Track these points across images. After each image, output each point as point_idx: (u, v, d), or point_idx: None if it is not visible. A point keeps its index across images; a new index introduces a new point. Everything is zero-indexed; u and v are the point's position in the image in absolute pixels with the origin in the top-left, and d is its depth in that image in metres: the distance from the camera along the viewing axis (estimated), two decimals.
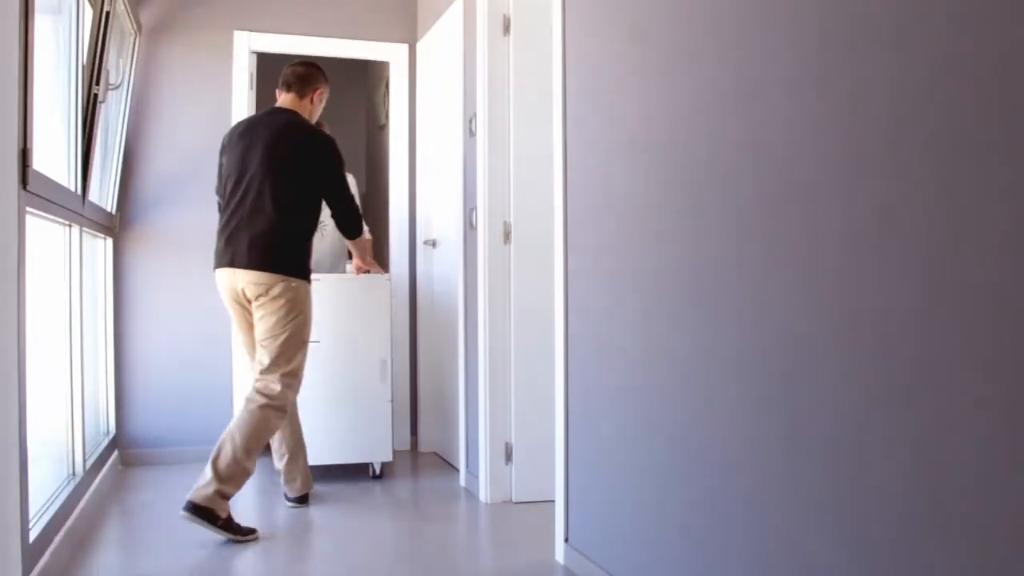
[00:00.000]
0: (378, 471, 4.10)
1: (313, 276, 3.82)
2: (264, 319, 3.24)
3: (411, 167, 4.88)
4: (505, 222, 3.66)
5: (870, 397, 1.49)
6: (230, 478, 3.02)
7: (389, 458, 4.07)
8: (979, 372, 1.28)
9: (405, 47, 4.85)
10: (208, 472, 3.01)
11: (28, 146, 2.34)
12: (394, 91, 4.95)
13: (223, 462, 3.03)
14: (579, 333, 2.73)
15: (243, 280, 3.23)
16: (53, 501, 2.80)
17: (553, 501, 2.96)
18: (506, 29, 3.67)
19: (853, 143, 1.54)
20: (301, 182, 3.30)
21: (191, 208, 4.40)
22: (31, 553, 2.36)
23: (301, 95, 3.50)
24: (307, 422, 3.95)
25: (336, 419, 4.02)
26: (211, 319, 4.43)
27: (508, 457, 3.61)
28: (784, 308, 1.73)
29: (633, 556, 2.37)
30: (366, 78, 7.08)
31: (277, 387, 3.22)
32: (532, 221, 3.61)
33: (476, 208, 3.74)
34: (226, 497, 3.02)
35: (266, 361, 3.24)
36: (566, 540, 2.81)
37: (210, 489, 2.98)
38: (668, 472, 2.18)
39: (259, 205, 3.25)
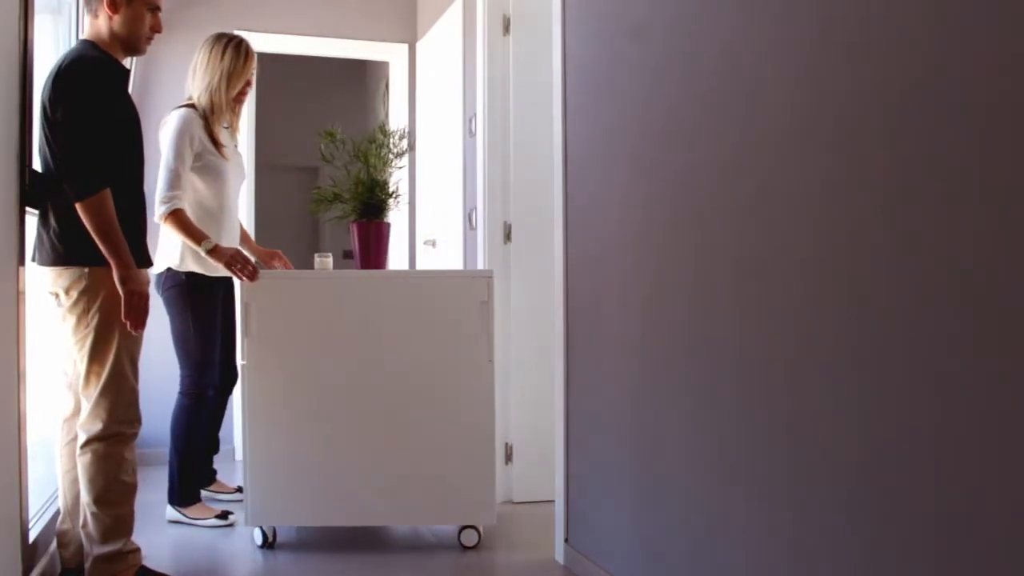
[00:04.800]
0: (475, 540, 2.98)
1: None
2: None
3: (411, 167, 4.88)
4: (505, 222, 3.66)
5: (875, 397, 1.49)
6: (104, 536, 2.40)
7: (492, 520, 2.96)
8: (981, 372, 1.28)
9: (405, 47, 4.85)
10: (84, 542, 2.45)
11: (28, 146, 2.34)
12: (394, 91, 4.95)
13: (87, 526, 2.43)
14: (579, 333, 2.73)
15: None
16: (53, 501, 2.80)
17: (553, 501, 2.95)
18: (506, 29, 3.67)
19: (854, 142, 1.53)
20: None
21: None
22: (31, 553, 2.36)
23: (92, 13, 2.45)
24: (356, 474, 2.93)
25: (415, 466, 2.95)
26: None
27: (508, 457, 3.60)
28: (786, 308, 1.73)
29: (633, 556, 2.36)
30: (366, 78, 7.08)
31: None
32: (532, 221, 3.61)
33: (476, 208, 3.74)
34: (113, 557, 2.41)
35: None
36: (566, 540, 2.81)
37: (89, 561, 2.41)
38: (668, 472, 2.18)
39: None
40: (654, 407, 2.25)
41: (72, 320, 2.37)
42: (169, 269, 3.16)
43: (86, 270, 2.35)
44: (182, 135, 3.09)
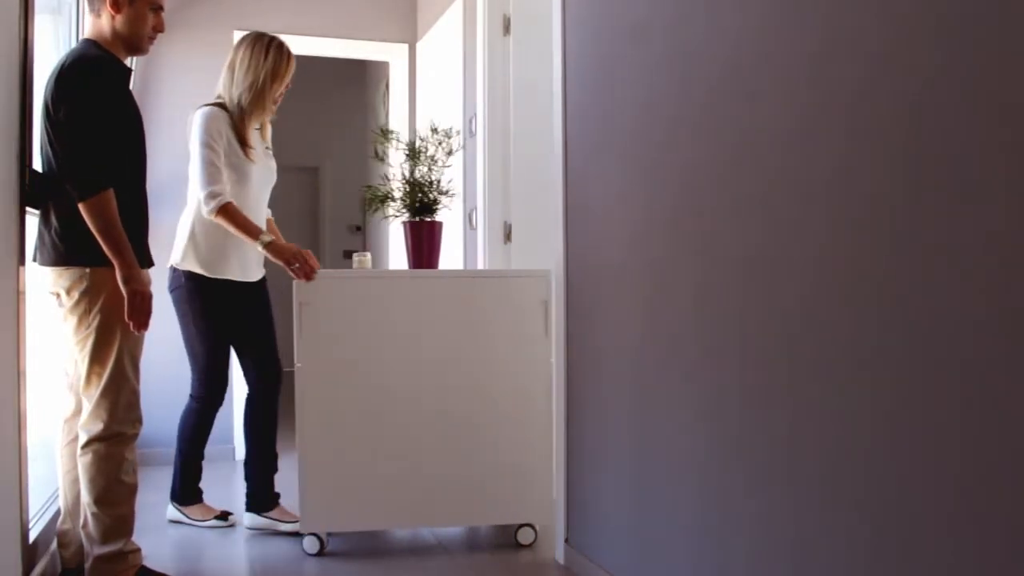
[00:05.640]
0: (532, 538, 3.01)
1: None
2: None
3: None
4: (505, 222, 3.66)
5: (872, 393, 1.49)
6: (105, 536, 2.40)
7: (550, 519, 2.98)
8: (978, 370, 1.28)
9: (405, 47, 4.85)
10: (84, 542, 2.44)
11: (28, 146, 2.34)
12: (394, 91, 4.95)
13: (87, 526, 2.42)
14: (579, 333, 2.73)
15: None
16: (53, 501, 2.80)
17: (553, 501, 2.95)
18: (506, 29, 3.67)
19: (853, 142, 1.53)
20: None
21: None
22: (31, 553, 2.36)
23: (95, 13, 2.45)
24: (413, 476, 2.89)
25: (473, 466, 2.95)
26: None
27: None
28: (787, 308, 1.73)
29: (633, 556, 2.36)
30: (366, 78, 7.08)
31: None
32: (532, 221, 3.61)
33: (476, 208, 3.74)
34: (113, 558, 2.41)
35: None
36: (566, 540, 2.81)
37: (89, 561, 2.41)
38: (669, 472, 2.18)
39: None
40: (654, 407, 2.25)
41: (73, 320, 2.37)
42: (172, 268, 3.10)
43: (87, 270, 2.35)
44: (208, 129, 2.98)
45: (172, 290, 3.12)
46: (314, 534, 2.89)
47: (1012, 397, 1.22)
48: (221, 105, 3.08)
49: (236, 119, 3.06)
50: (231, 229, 2.95)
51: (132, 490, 2.45)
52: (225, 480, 3.89)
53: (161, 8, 2.50)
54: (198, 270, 3.06)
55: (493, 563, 2.83)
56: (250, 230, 2.96)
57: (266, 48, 3.10)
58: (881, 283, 1.47)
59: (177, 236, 3.12)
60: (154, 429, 4.40)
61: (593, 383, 2.63)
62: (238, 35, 4.51)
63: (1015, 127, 1.21)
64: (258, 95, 3.07)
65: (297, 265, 2.88)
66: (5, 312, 2.14)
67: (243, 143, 3.06)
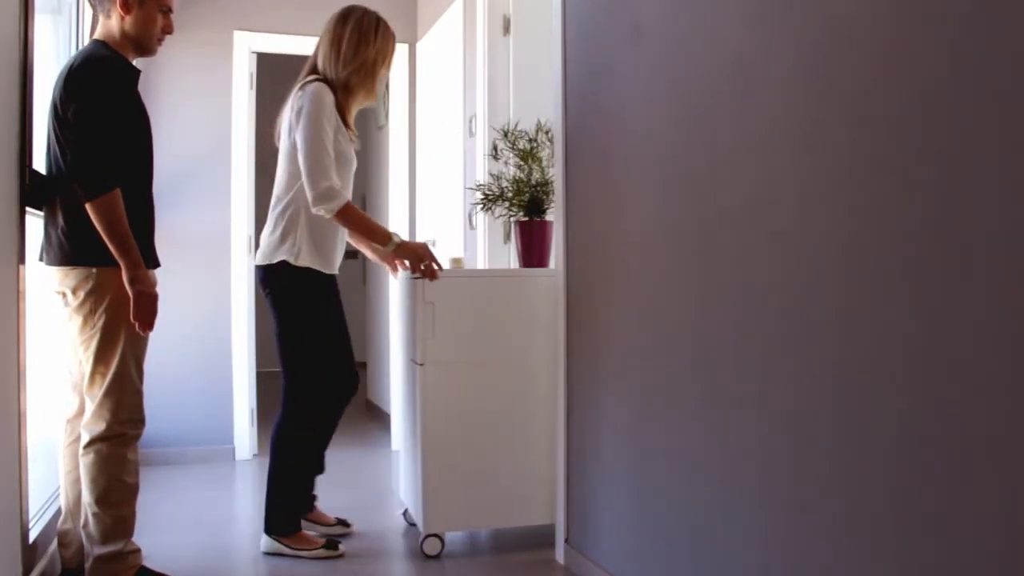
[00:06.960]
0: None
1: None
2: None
3: (411, 167, 4.88)
4: (505, 222, 3.66)
5: (871, 396, 1.49)
6: (105, 536, 2.39)
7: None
8: (975, 369, 1.28)
9: (405, 47, 4.85)
10: (84, 542, 2.44)
11: (28, 146, 2.34)
12: (394, 91, 4.95)
13: (89, 526, 2.41)
14: (580, 333, 2.73)
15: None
16: (53, 501, 2.80)
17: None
18: (506, 29, 3.67)
19: (855, 142, 1.53)
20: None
21: (191, 207, 4.41)
22: (31, 553, 2.36)
23: (105, 14, 2.46)
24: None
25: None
26: (211, 318, 4.43)
27: None
28: (788, 309, 1.73)
29: (633, 556, 2.37)
30: None
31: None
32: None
33: (476, 207, 3.74)
34: (113, 558, 2.41)
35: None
36: (566, 540, 2.81)
37: (89, 562, 2.40)
38: (669, 472, 2.18)
39: None
40: (654, 407, 2.25)
41: (78, 320, 2.38)
42: (285, 263, 2.76)
43: (93, 270, 2.35)
44: (324, 110, 2.73)
45: (286, 290, 2.81)
46: (435, 535, 2.88)
47: (1013, 397, 1.22)
48: (324, 81, 2.82)
49: (339, 99, 2.83)
50: (354, 231, 2.79)
51: (133, 491, 2.46)
52: (227, 481, 3.89)
53: (171, 10, 2.51)
54: (317, 266, 2.80)
55: (494, 563, 2.83)
56: (378, 233, 2.77)
57: (375, 27, 2.89)
58: (882, 285, 1.46)
59: (280, 229, 2.80)
60: (156, 430, 4.40)
61: (592, 383, 2.63)
62: (238, 35, 4.52)
63: (1015, 131, 1.21)
64: (368, 77, 2.87)
65: (424, 264, 2.77)
66: (5, 312, 2.14)
67: (346, 125, 2.87)
